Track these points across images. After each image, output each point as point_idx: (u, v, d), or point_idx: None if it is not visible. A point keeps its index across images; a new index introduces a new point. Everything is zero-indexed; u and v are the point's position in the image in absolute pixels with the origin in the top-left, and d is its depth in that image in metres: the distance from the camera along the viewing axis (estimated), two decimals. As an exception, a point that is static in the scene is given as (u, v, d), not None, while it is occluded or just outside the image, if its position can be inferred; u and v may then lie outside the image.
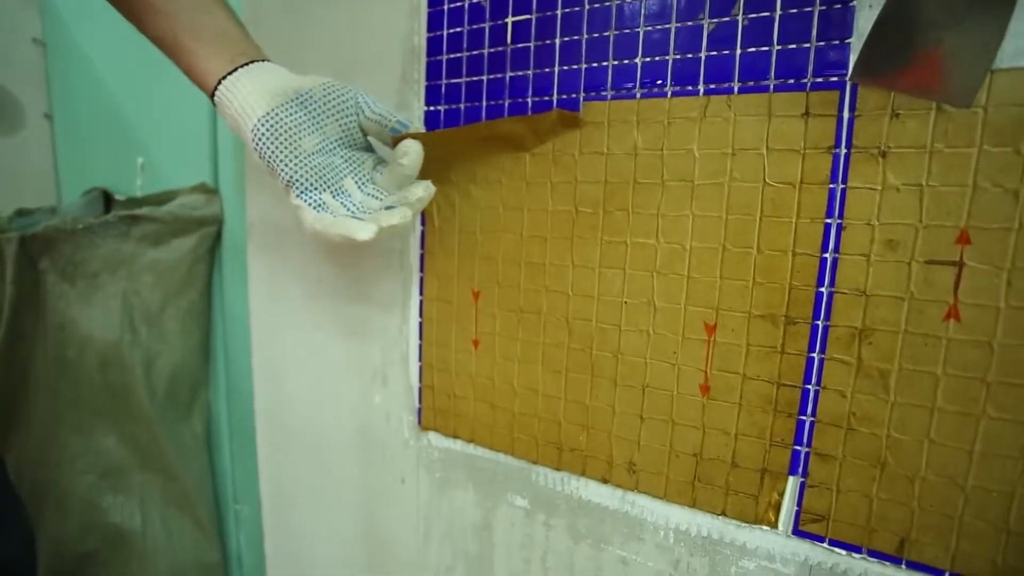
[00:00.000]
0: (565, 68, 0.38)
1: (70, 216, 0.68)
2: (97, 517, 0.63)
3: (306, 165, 0.36)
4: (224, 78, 0.35)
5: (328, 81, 0.37)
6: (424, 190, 0.36)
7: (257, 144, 0.35)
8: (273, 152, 0.35)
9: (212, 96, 0.36)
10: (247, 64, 0.36)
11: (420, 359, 0.48)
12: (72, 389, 0.62)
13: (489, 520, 0.46)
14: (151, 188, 0.70)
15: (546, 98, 0.39)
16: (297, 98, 0.36)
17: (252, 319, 0.62)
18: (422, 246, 0.47)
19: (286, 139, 0.35)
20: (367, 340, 0.52)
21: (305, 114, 0.36)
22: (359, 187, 0.37)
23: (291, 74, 0.37)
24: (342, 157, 0.37)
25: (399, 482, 0.51)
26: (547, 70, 0.38)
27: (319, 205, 0.36)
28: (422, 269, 0.47)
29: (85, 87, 0.77)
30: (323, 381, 0.56)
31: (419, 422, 0.49)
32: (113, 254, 0.61)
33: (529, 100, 0.39)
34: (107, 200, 0.75)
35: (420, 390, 0.48)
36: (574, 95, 0.38)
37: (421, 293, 0.47)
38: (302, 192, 0.36)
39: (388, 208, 0.36)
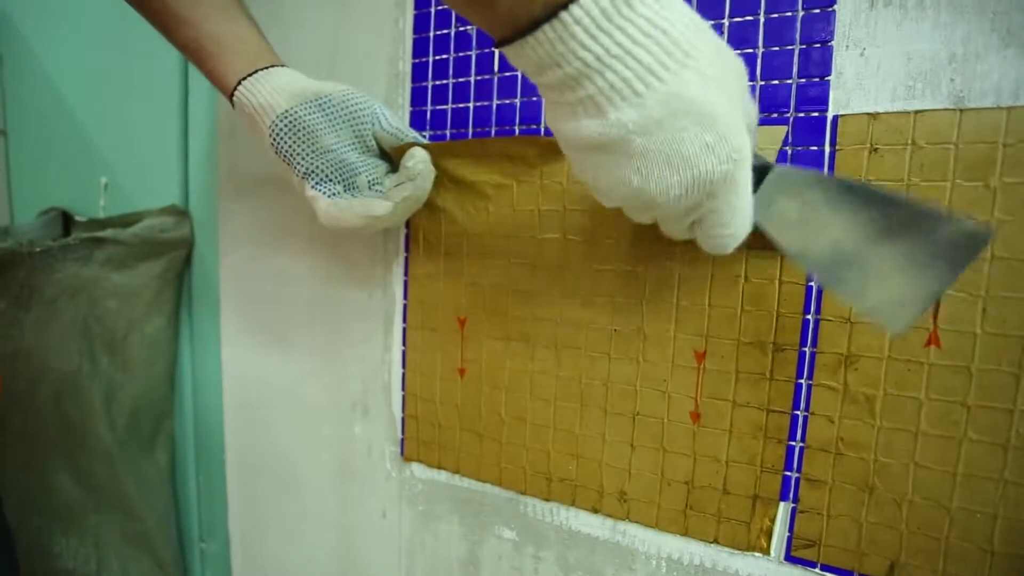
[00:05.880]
0: (552, 97, 0.38)
1: (26, 238, 0.65)
2: (47, 563, 0.59)
3: (323, 159, 0.37)
4: (244, 79, 0.36)
5: (348, 89, 0.38)
6: (421, 161, 0.37)
7: (275, 139, 0.36)
8: (291, 146, 0.36)
9: (231, 97, 0.37)
10: (267, 68, 0.37)
11: (403, 388, 0.47)
12: (22, 424, 0.58)
13: (475, 554, 0.45)
14: (115, 209, 0.67)
15: (534, 127, 0.39)
16: (316, 100, 0.37)
17: (223, 346, 0.59)
18: (406, 272, 0.46)
19: (304, 135, 0.36)
20: (347, 369, 0.50)
21: (323, 116, 0.37)
22: (370, 186, 0.39)
23: (310, 79, 0.38)
24: (357, 158, 0.39)
25: (380, 516, 0.50)
26: (535, 99, 0.39)
27: (333, 195, 0.37)
28: (406, 296, 0.46)
29: (44, 103, 0.74)
30: (299, 411, 0.54)
31: (402, 453, 0.48)
32: (73, 279, 0.57)
33: (516, 128, 0.40)
34: (66, 221, 0.71)
35: (403, 420, 0.47)
36: (562, 124, 0.38)
37: (404, 320, 0.46)
38: (318, 183, 0.37)
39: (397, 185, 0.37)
